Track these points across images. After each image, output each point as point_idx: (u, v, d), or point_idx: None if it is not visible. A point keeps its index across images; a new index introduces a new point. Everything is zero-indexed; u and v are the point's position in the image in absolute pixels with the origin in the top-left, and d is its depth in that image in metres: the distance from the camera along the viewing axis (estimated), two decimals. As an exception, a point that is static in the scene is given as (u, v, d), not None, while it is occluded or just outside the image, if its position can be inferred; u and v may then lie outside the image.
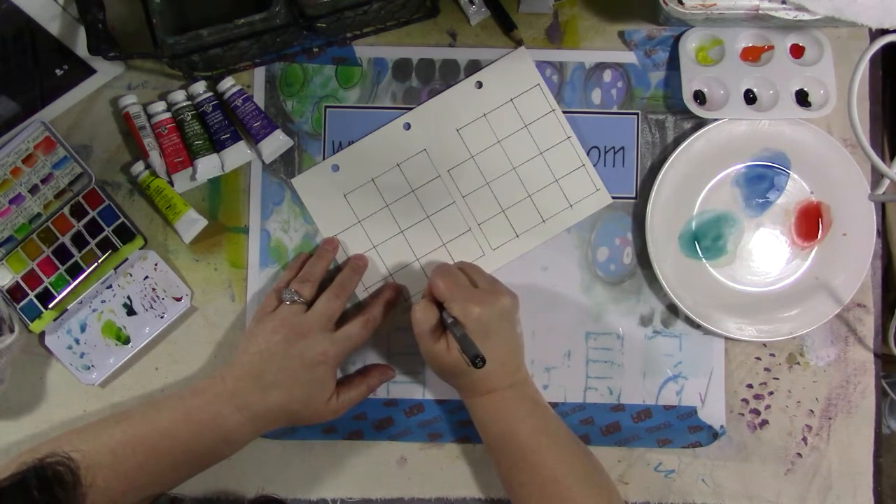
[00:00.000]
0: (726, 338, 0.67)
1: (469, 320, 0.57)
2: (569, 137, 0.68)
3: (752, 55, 0.67)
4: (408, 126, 0.68)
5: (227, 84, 0.66)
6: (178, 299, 0.67)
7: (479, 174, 0.68)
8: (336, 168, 0.68)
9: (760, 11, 0.60)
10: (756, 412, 0.68)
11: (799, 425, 0.68)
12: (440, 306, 0.60)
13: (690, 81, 0.66)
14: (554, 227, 0.68)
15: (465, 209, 0.68)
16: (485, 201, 0.68)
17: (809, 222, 0.68)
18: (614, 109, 0.69)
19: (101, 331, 0.67)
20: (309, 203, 0.68)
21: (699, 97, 0.67)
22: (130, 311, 0.67)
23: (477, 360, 0.53)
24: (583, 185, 0.68)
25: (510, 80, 0.68)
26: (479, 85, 0.68)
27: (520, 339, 0.62)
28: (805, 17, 0.60)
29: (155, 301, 0.67)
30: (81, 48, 0.62)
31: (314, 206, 0.68)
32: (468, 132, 0.68)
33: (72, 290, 0.66)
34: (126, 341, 0.67)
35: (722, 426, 0.67)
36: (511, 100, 0.68)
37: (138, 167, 0.67)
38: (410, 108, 0.68)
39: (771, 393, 0.68)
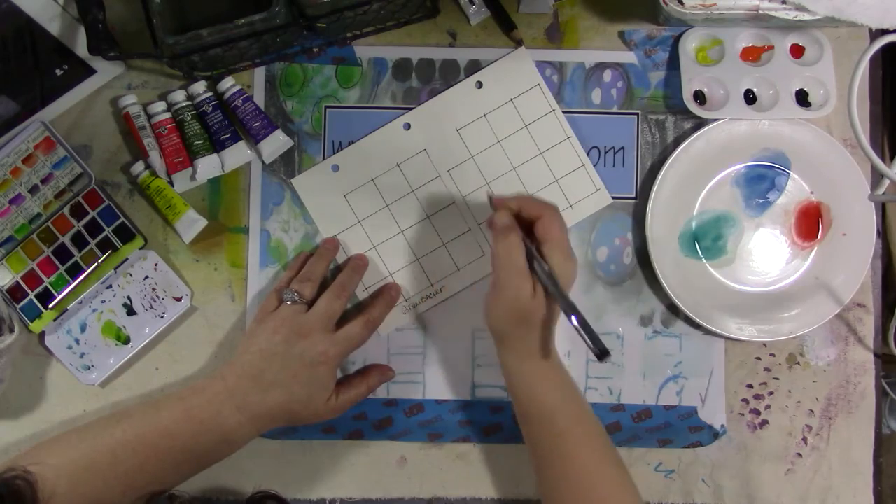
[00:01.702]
0: (726, 338, 0.67)
1: (565, 276, 0.53)
2: (569, 137, 0.68)
3: (752, 55, 0.67)
4: (408, 126, 0.68)
5: (227, 84, 0.66)
6: (178, 299, 0.67)
7: (479, 174, 0.68)
8: (336, 168, 0.68)
9: (760, 11, 0.60)
10: (756, 412, 0.68)
11: (799, 425, 0.68)
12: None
13: (690, 81, 0.66)
14: (554, 227, 0.68)
15: (465, 209, 0.68)
16: (485, 201, 0.68)
17: (809, 222, 0.68)
18: (614, 109, 0.69)
19: (101, 331, 0.67)
20: (309, 203, 0.68)
21: (699, 97, 0.67)
22: (130, 311, 0.67)
23: (604, 355, 0.50)
24: (583, 185, 0.68)
25: (510, 80, 0.68)
26: (480, 85, 0.68)
27: None
28: (805, 17, 0.60)
29: (155, 301, 0.67)
30: (81, 48, 0.62)
31: (314, 206, 0.68)
32: (468, 132, 0.68)
33: (72, 290, 0.66)
34: (126, 341, 0.67)
35: (722, 426, 0.67)
36: (511, 100, 0.68)
37: (138, 167, 0.67)
38: (410, 108, 0.68)
39: (771, 393, 0.68)
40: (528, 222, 0.56)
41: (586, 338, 0.51)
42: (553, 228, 0.54)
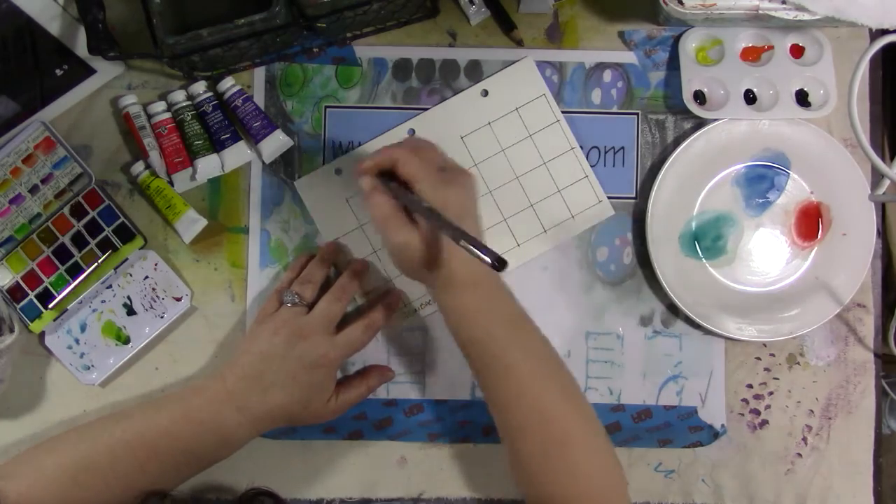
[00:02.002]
0: (726, 338, 0.67)
1: (449, 203, 0.52)
2: (573, 148, 0.68)
3: (752, 55, 0.67)
4: (412, 132, 0.68)
5: (227, 84, 0.66)
6: (178, 299, 0.67)
7: (481, 182, 0.67)
8: (339, 171, 0.68)
9: (760, 11, 0.60)
10: (756, 412, 0.68)
11: (799, 425, 0.68)
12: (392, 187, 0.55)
13: (690, 81, 0.66)
14: (555, 238, 0.68)
15: (466, 211, 0.68)
16: (487, 209, 0.67)
17: (809, 222, 0.68)
18: (614, 109, 0.69)
19: (101, 331, 0.67)
20: (311, 206, 0.68)
21: (699, 97, 0.67)
22: (130, 311, 0.67)
23: (502, 264, 0.47)
24: (585, 196, 0.68)
25: (516, 89, 0.68)
26: (485, 93, 0.68)
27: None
28: (805, 17, 0.60)
29: (155, 301, 0.67)
30: (81, 48, 0.62)
31: (316, 208, 0.68)
32: (472, 140, 0.68)
33: (72, 290, 0.66)
34: (126, 341, 0.67)
35: (722, 426, 0.67)
36: (516, 109, 0.68)
37: (138, 167, 0.67)
38: (411, 109, 0.68)
39: (771, 393, 0.68)
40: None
41: (478, 253, 0.49)
42: (409, 168, 0.54)
